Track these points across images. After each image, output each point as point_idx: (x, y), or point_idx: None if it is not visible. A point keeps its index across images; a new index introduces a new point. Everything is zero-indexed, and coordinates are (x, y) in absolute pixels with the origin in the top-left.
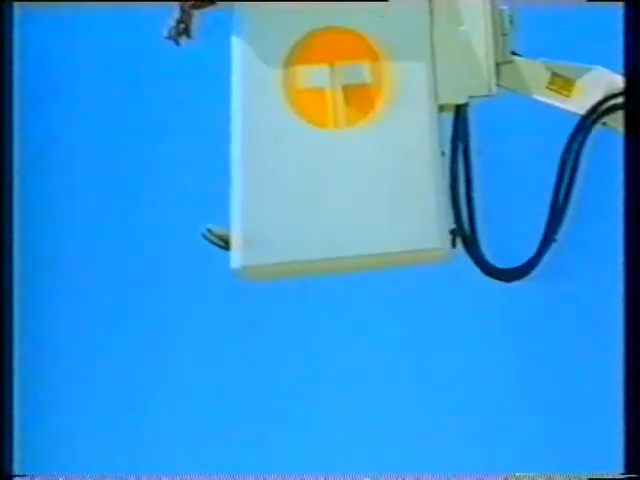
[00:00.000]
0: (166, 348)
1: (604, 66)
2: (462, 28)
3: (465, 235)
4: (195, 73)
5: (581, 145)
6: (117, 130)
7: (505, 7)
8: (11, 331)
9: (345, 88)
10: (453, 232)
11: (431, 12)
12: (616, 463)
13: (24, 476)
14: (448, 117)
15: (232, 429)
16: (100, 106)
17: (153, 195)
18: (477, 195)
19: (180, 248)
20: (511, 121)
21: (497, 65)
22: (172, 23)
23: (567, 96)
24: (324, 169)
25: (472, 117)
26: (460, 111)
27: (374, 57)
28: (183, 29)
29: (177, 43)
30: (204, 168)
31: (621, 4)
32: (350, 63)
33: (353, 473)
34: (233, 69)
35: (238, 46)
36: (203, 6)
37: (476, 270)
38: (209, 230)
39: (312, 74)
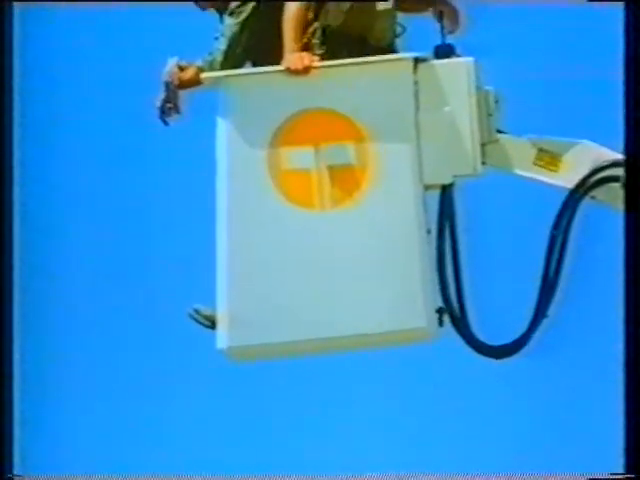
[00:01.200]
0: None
1: (604, 66)
2: (447, 109)
3: (454, 314)
4: (182, 149)
5: (570, 220)
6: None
7: (490, 87)
8: (11, 334)
9: (330, 169)
10: (440, 310)
11: (416, 93)
12: (616, 463)
13: (24, 477)
14: (434, 193)
15: (230, 431)
16: (100, 106)
17: (141, 274)
18: (466, 271)
19: (167, 328)
20: (498, 196)
21: (483, 145)
22: (159, 103)
23: (554, 171)
24: (309, 250)
25: (458, 194)
26: (446, 190)
27: (359, 138)
28: (170, 108)
29: (165, 123)
30: (190, 247)
31: (621, 4)
32: (335, 144)
33: None
34: (218, 149)
35: (223, 126)
36: (189, 86)
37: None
38: (196, 310)
39: (297, 155)
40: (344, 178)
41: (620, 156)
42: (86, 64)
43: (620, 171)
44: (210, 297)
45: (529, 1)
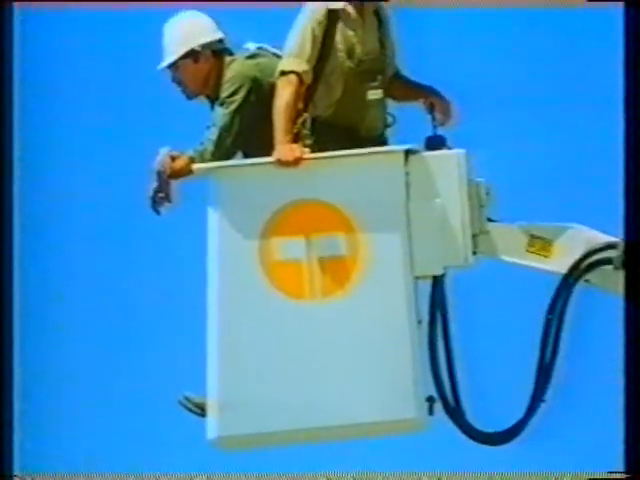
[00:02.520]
0: None
1: (604, 66)
2: (438, 201)
3: (448, 404)
4: (173, 238)
5: (565, 304)
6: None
7: (481, 179)
8: (11, 334)
9: (321, 259)
10: (430, 399)
11: (407, 185)
12: (616, 463)
13: (24, 476)
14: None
15: None
16: (100, 106)
17: (132, 360)
18: (459, 359)
19: (159, 413)
20: (491, 281)
21: (474, 236)
22: (150, 193)
23: (547, 257)
24: (300, 340)
25: (450, 281)
26: (437, 279)
27: (350, 229)
28: (161, 197)
29: (157, 212)
30: (181, 335)
31: (621, 4)
32: (326, 235)
33: None
34: (209, 239)
35: (215, 217)
36: (181, 175)
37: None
38: (186, 397)
39: (288, 246)
40: (335, 269)
41: (612, 239)
42: (86, 64)
43: (613, 253)
44: (201, 385)
45: (529, 2)
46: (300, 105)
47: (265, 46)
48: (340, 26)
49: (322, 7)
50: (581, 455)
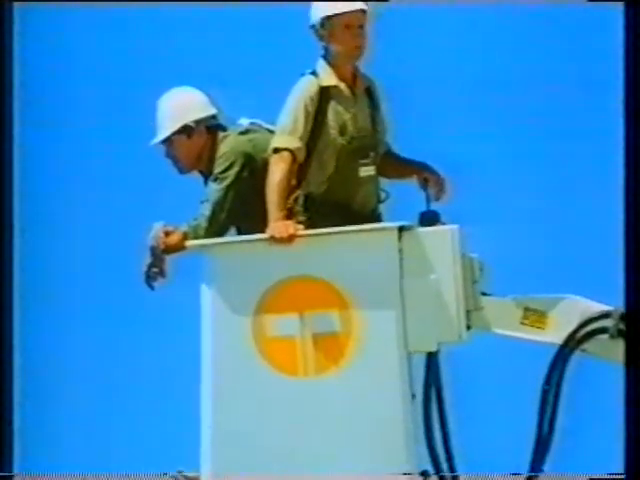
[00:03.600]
0: None
1: (604, 66)
2: (432, 277)
3: (443, 478)
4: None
5: (561, 374)
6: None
7: (475, 254)
8: (11, 334)
9: (315, 336)
10: (424, 473)
11: (400, 261)
12: (616, 464)
13: (24, 476)
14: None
15: None
16: (100, 106)
17: (125, 435)
18: (455, 432)
19: (159, 413)
20: (486, 352)
21: (468, 312)
22: (144, 268)
23: (542, 329)
24: (293, 416)
25: (445, 355)
26: (431, 354)
27: (343, 305)
28: (156, 273)
29: (151, 287)
30: (174, 409)
31: (621, 4)
32: (319, 312)
33: None
34: (203, 315)
35: (208, 293)
36: (174, 251)
37: None
38: (180, 472)
39: (282, 323)
40: (328, 345)
41: (607, 307)
42: (86, 64)
43: (608, 322)
44: (194, 460)
45: (530, 1)
46: (293, 182)
47: (258, 122)
48: (332, 103)
49: (314, 84)
50: (581, 455)
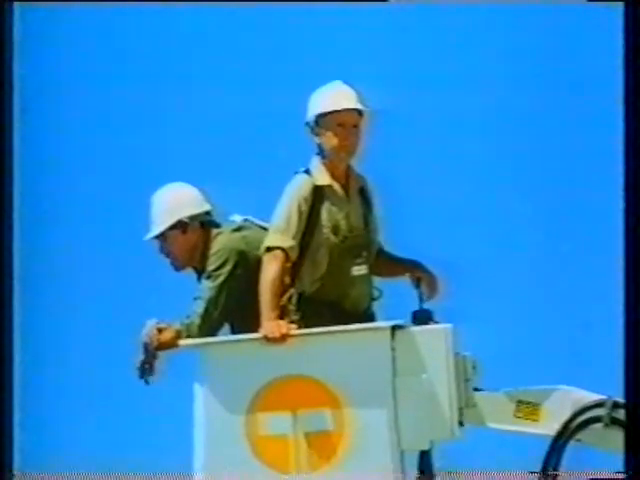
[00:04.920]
0: None
1: (603, 66)
2: (424, 376)
3: None
4: (160, 409)
5: (557, 464)
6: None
7: (468, 353)
8: (11, 334)
9: (307, 435)
10: None
11: (393, 360)
12: (616, 463)
13: (24, 475)
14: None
15: None
16: (99, 106)
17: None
18: None
19: (158, 413)
20: (480, 444)
21: (460, 409)
22: (137, 364)
23: (536, 420)
24: None
25: (438, 449)
26: (424, 452)
27: (336, 404)
28: (148, 368)
29: (146, 382)
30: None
31: (621, 4)
32: (312, 410)
33: None
34: (196, 412)
35: (201, 390)
36: (167, 348)
37: None
38: None
39: (275, 421)
40: (321, 443)
41: (600, 397)
42: (86, 64)
43: (602, 411)
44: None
45: (530, 1)
46: (286, 280)
47: (251, 218)
48: (325, 203)
49: (308, 183)
50: (581, 455)
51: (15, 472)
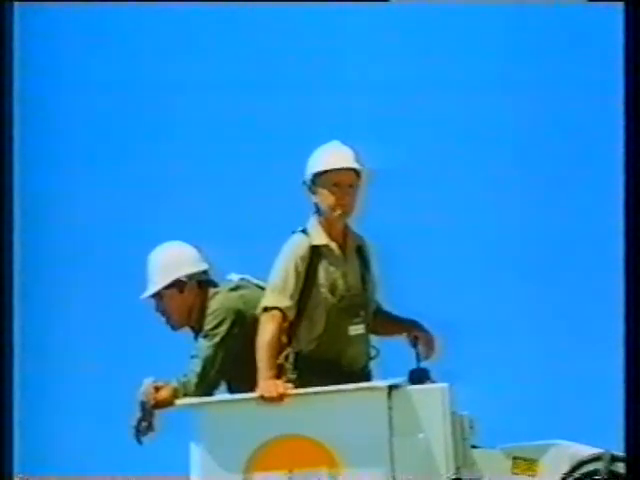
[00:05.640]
0: None
1: (604, 66)
2: (421, 435)
3: None
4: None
5: None
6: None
7: (465, 412)
8: (11, 335)
9: None
10: None
11: (390, 419)
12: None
13: (24, 476)
14: None
15: None
16: (99, 106)
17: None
18: None
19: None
20: None
21: (458, 468)
22: (134, 422)
23: (533, 476)
24: None
25: None
26: None
27: (332, 464)
28: (145, 427)
29: (139, 442)
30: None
31: (621, 4)
32: (309, 470)
33: None
34: (192, 471)
35: (197, 450)
36: (164, 406)
37: None
38: None
39: None
40: None
41: (597, 450)
42: (86, 64)
43: (599, 465)
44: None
45: (530, 1)
46: (283, 339)
47: (248, 277)
48: (323, 262)
49: (305, 243)
50: (583, 406)
51: (15, 475)
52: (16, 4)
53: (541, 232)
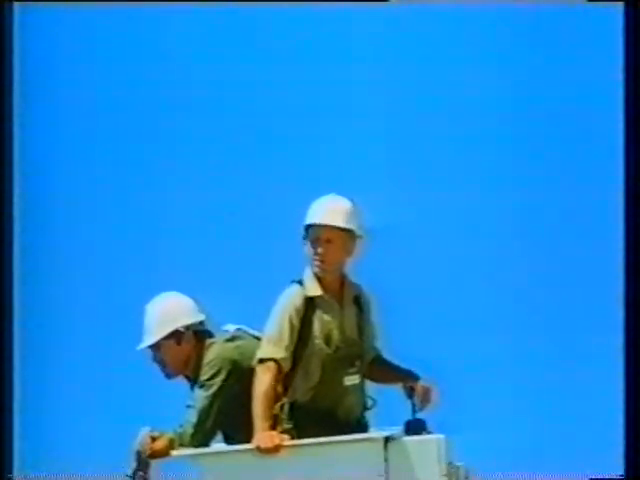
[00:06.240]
0: None
1: (603, 66)
2: None
3: None
4: None
5: None
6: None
7: (460, 463)
8: (11, 335)
9: None
10: None
11: (386, 470)
12: (616, 465)
13: (24, 477)
14: None
15: None
16: (99, 105)
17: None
18: None
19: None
20: None
21: None
22: (130, 472)
23: None
24: None
25: None
26: None
27: None
28: (141, 477)
29: None
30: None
31: (621, 4)
32: None
33: None
34: None
35: None
36: (160, 456)
37: None
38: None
39: None
40: None
41: None
42: (86, 64)
43: None
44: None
45: (530, 1)
46: (279, 390)
47: (244, 327)
48: (318, 313)
49: (300, 295)
50: (581, 457)
51: (14, 475)
52: (16, 4)
53: (540, 277)
